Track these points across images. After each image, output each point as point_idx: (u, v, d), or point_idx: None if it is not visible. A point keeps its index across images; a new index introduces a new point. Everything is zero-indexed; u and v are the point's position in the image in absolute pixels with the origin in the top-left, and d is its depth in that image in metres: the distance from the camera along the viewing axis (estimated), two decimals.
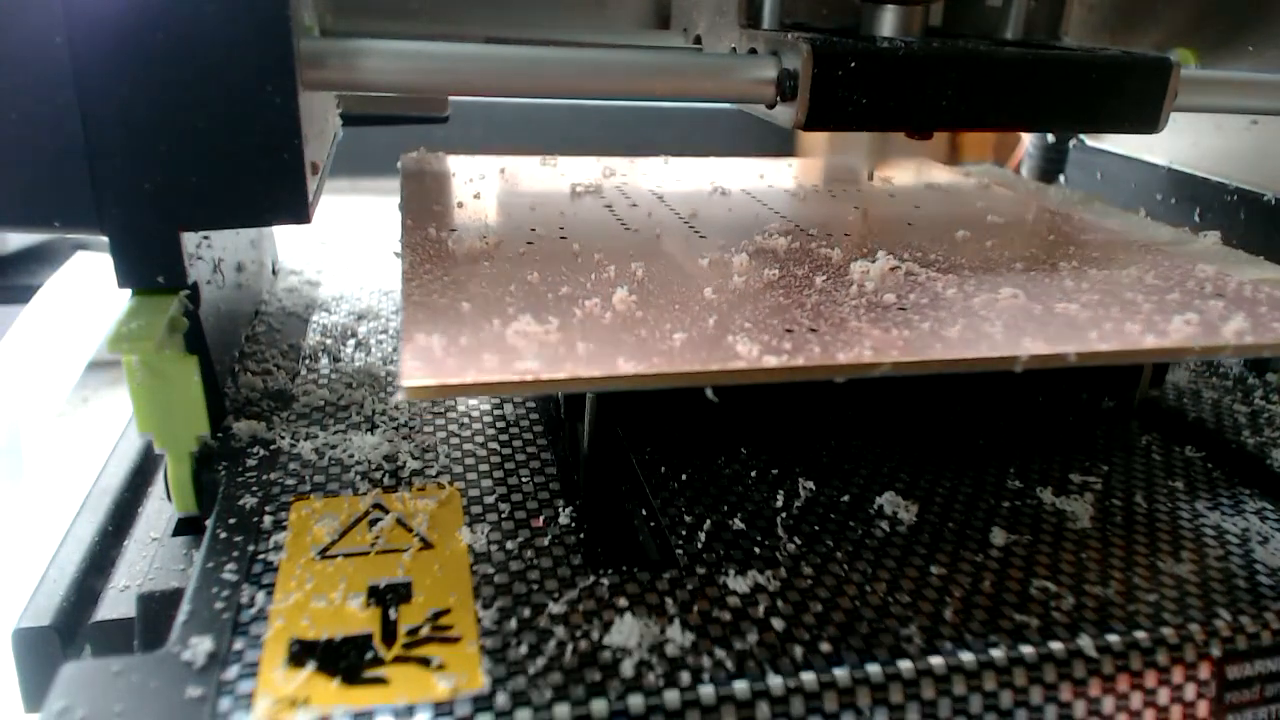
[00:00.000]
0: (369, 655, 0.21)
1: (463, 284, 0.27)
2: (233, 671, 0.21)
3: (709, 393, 0.25)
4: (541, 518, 0.27)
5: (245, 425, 0.30)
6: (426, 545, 0.25)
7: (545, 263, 0.29)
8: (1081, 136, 0.54)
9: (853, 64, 0.28)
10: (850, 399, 0.35)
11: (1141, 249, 0.34)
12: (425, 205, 0.36)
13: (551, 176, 0.43)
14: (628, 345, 0.23)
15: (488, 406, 0.33)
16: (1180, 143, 0.47)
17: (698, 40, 0.40)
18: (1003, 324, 0.25)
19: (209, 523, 0.26)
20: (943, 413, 0.34)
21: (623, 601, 0.23)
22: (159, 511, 0.28)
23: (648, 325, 0.24)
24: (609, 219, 0.36)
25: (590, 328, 0.24)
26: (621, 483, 0.30)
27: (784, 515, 0.28)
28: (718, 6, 0.37)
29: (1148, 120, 0.31)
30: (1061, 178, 0.57)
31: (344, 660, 0.21)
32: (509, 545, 0.26)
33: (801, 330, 0.24)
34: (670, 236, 0.33)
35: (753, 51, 0.30)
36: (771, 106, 0.29)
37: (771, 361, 0.22)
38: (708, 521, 0.27)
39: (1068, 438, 0.33)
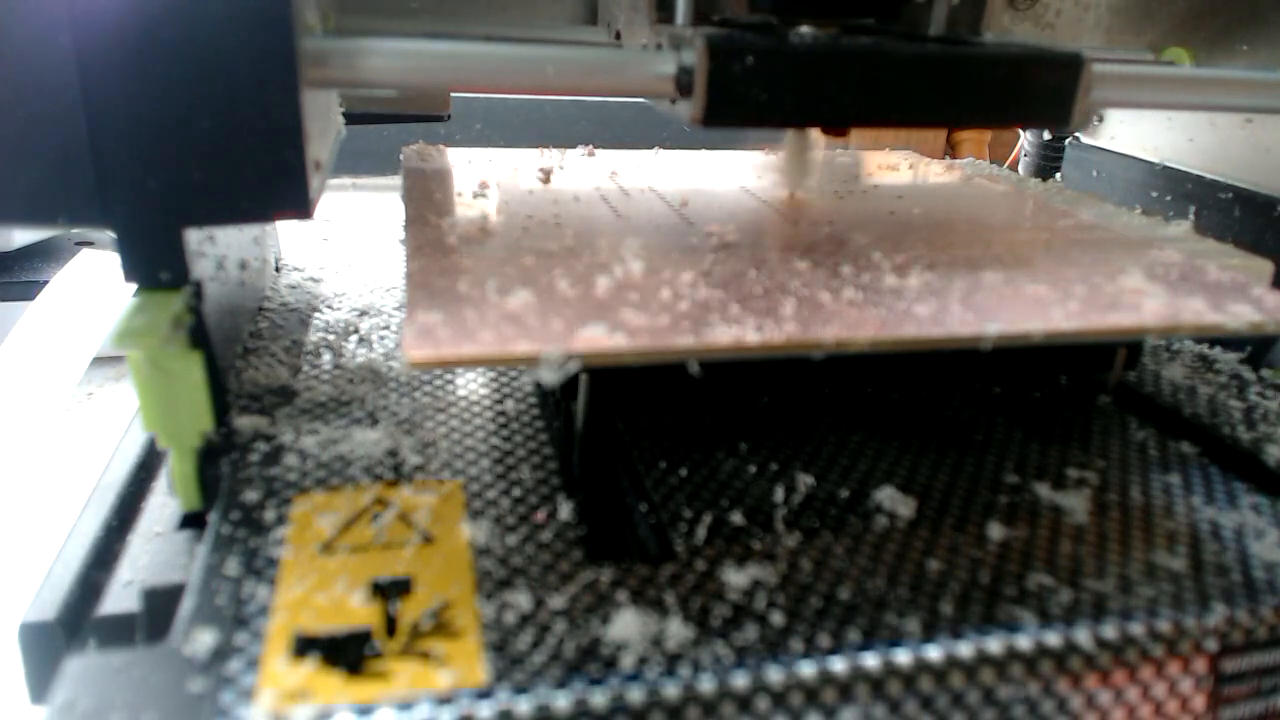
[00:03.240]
0: (371, 649, 0.21)
1: (461, 266, 0.28)
2: (235, 665, 0.21)
3: (693, 367, 0.26)
4: (543, 513, 0.27)
5: (248, 421, 0.31)
6: (428, 539, 0.26)
7: (539, 247, 0.31)
8: (1077, 134, 0.55)
9: (750, 60, 0.27)
10: (845, 392, 0.35)
11: (1114, 236, 0.36)
12: (426, 194, 0.37)
13: (550, 166, 0.44)
14: (617, 322, 0.24)
15: (489, 402, 0.33)
16: (1176, 140, 0.48)
17: (618, 35, 0.40)
18: (975, 306, 0.27)
19: (212, 517, 0.26)
20: (934, 404, 0.35)
21: (623, 595, 0.24)
22: (162, 506, 0.29)
23: (636, 305, 0.26)
24: (602, 207, 0.37)
25: (580, 307, 0.25)
26: (617, 463, 0.31)
27: (783, 510, 0.28)
28: (632, 2, 0.37)
29: (1059, 115, 0.31)
30: (1058, 175, 0.58)
31: (346, 654, 0.21)
32: (510, 540, 0.26)
33: (782, 310, 0.26)
34: (660, 224, 0.35)
35: (659, 47, 0.30)
36: (674, 103, 0.29)
37: (753, 338, 0.24)
38: (707, 516, 0.27)
39: (1065, 432, 0.34)
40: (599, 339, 0.23)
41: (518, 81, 0.28)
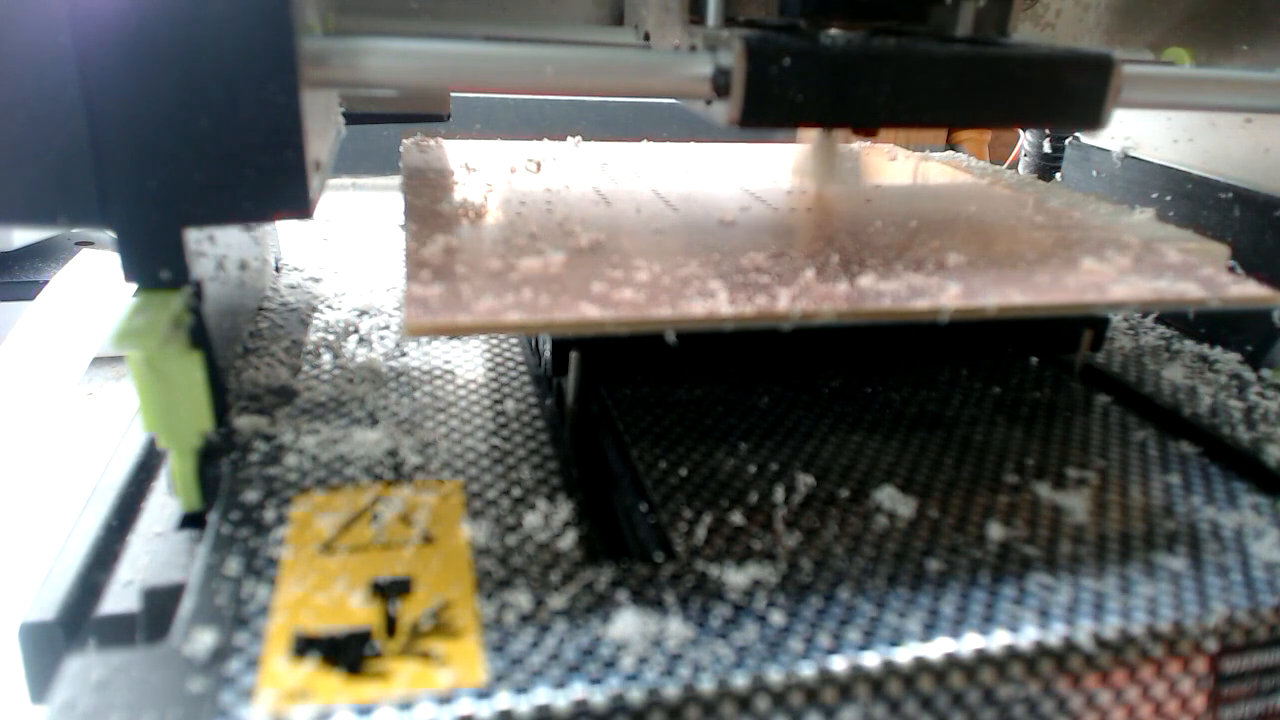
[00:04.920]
0: (371, 649, 0.21)
1: (457, 246, 0.30)
2: (235, 665, 0.21)
3: (670, 337, 0.27)
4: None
5: (248, 421, 0.31)
6: (428, 539, 0.26)
7: (531, 229, 0.32)
8: (1077, 134, 0.55)
9: (786, 61, 0.28)
10: (843, 390, 0.35)
11: (1078, 222, 0.37)
12: (425, 181, 0.39)
13: (542, 156, 0.46)
14: (601, 297, 0.26)
15: (489, 402, 0.33)
16: (1177, 140, 0.48)
17: (647, 37, 0.41)
18: (938, 284, 0.28)
19: (211, 517, 0.26)
20: (934, 404, 0.35)
21: (622, 595, 0.24)
22: (162, 506, 0.29)
23: (619, 281, 0.27)
24: (592, 194, 0.39)
25: (567, 281, 0.27)
26: (604, 435, 0.32)
27: (783, 510, 0.28)
28: (663, 3, 0.37)
29: (1089, 117, 0.31)
30: (1058, 175, 0.58)
31: (346, 654, 0.21)
32: (510, 539, 0.26)
33: (755, 286, 0.27)
34: (646, 210, 0.36)
35: (693, 48, 0.30)
36: (709, 104, 0.29)
37: (725, 309, 0.25)
38: (707, 516, 0.27)
39: (1064, 432, 0.34)
40: (583, 310, 0.25)
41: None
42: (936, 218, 0.37)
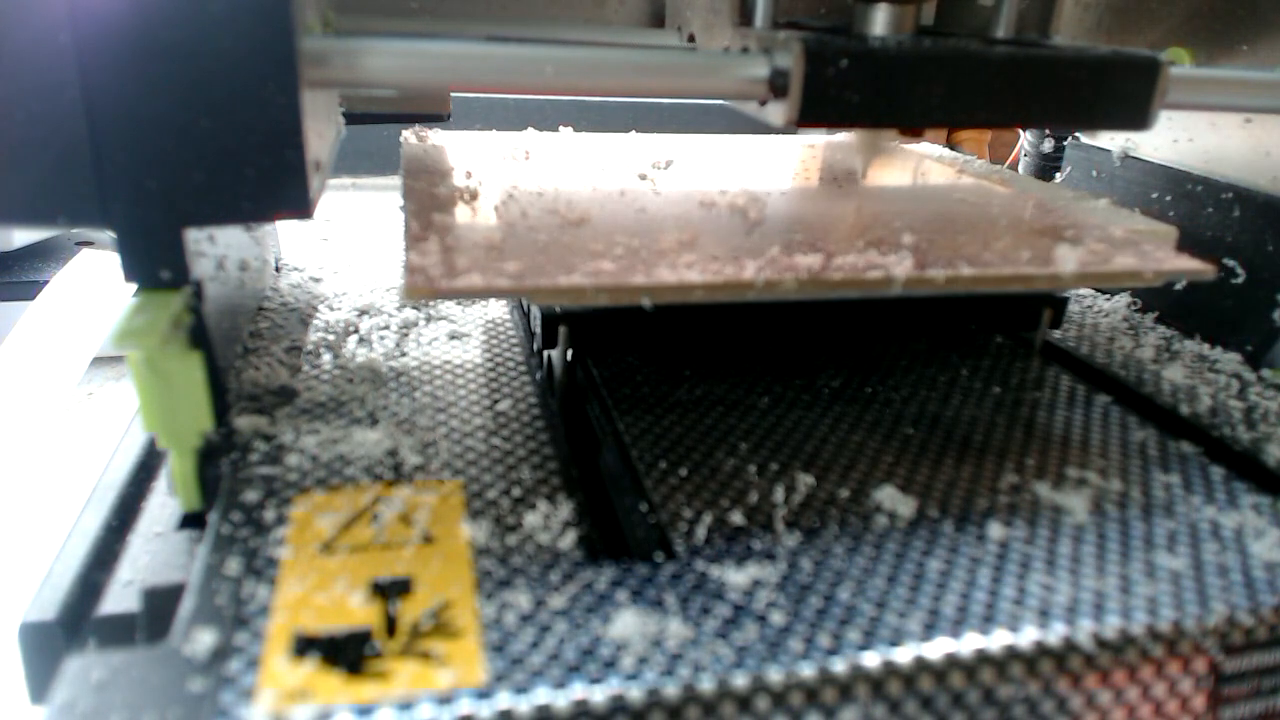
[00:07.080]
0: (371, 649, 0.21)
1: (452, 224, 0.31)
2: (235, 665, 0.21)
3: (646, 303, 0.28)
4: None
5: (248, 421, 0.31)
6: (428, 539, 0.26)
7: (523, 209, 0.34)
8: (1077, 134, 0.55)
9: (844, 62, 0.28)
10: (843, 391, 0.35)
11: (1035, 204, 0.38)
12: (423, 167, 0.40)
13: (535, 145, 0.48)
14: (584, 269, 0.27)
15: (489, 403, 0.33)
16: (1177, 140, 0.47)
17: (691, 38, 0.41)
18: (894, 260, 0.29)
19: (211, 517, 0.26)
20: (934, 404, 0.35)
21: (623, 595, 0.24)
22: (162, 506, 0.29)
23: (605, 256, 0.28)
24: (581, 179, 0.40)
25: (552, 253, 0.28)
26: (589, 402, 0.34)
27: (783, 510, 0.28)
28: (711, 5, 0.38)
29: (1137, 118, 0.32)
30: (1058, 175, 0.58)
31: (346, 654, 0.21)
32: (510, 539, 0.26)
33: (725, 260, 0.29)
34: (633, 193, 0.38)
35: (745, 50, 0.30)
36: (764, 104, 0.29)
37: (694, 277, 0.27)
38: (707, 516, 0.27)
39: (1064, 432, 0.34)
40: (565, 276, 0.26)
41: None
42: (900, 204, 0.38)
